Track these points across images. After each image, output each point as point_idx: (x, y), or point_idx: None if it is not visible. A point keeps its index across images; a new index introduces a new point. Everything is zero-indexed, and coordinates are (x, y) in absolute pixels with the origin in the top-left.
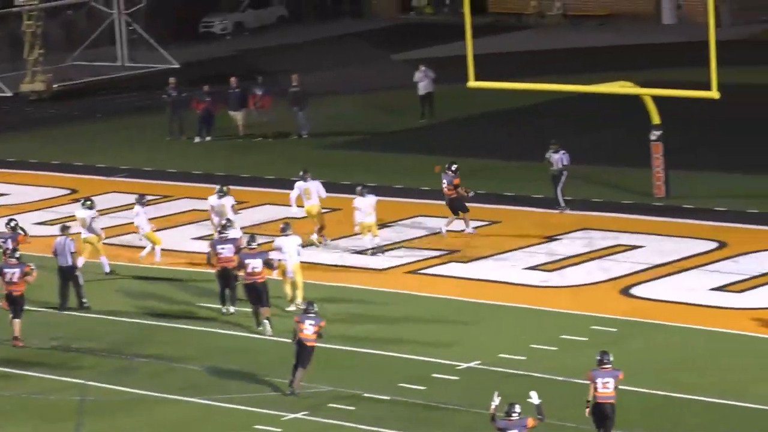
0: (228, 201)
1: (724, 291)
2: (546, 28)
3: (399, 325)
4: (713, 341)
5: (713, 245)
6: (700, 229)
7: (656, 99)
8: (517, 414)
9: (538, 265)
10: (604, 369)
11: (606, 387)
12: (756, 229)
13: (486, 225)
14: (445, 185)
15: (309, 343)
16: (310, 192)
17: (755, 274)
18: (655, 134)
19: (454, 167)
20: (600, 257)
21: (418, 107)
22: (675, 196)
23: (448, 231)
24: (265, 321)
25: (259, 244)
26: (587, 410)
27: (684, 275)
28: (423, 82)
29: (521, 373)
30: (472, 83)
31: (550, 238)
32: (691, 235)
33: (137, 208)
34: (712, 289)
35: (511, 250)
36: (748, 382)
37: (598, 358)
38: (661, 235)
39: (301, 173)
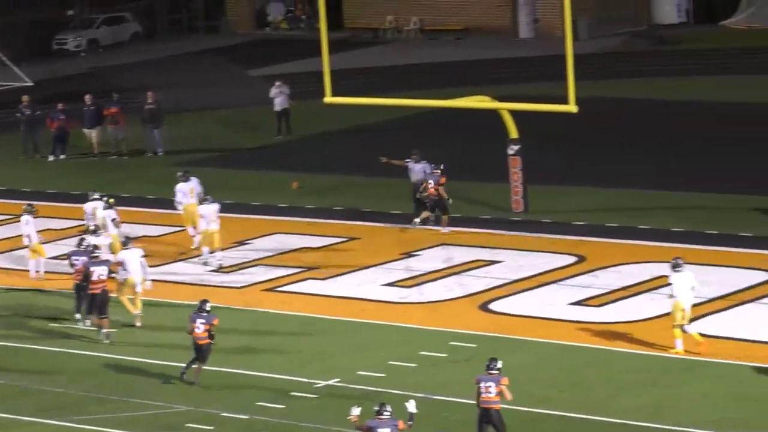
0: (110, 214)
1: (583, 305)
2: (403, 43)
3: (256, 344)
4: (573, 356)
5: (572, 259)
6: (558, 243)
7: (514, 113)
8: (388, 413)
9: (396, 282)
10: (490, 374)
11: (488, 391)
12: (614, 242)
13: (344, 241)
14: (431, 184)
15: (201, 342)
16: (192, 191)
17: (614, 288)
18: (512, 149)
19: (442, 167)
20: (459, 273)
21: (274, 123)
22: (533, 210)
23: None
24: (103, 332)
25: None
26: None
27: (543, 290)
28: (278, 98)
29: (380, 390)
30: (329, 99)
31: (409, 254)
32: (550, 249)
33: (26, 217)
34: (571, 304)
35: (369, 267)
36: (608, 397)
37: (486, 363)
38: (520, 249)
39: (180, 174)
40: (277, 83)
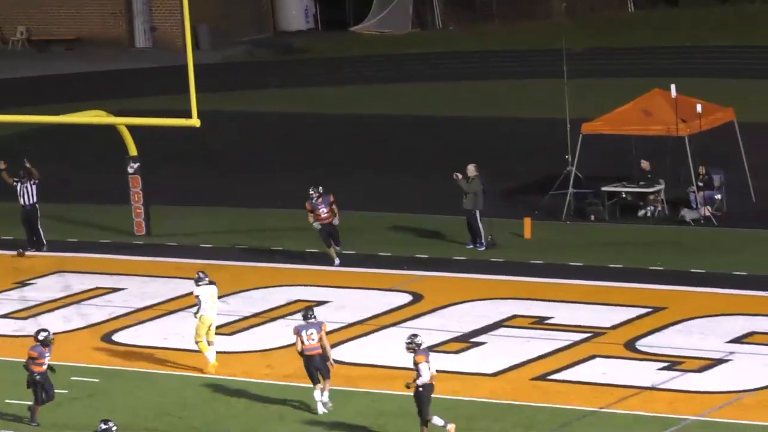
0: None
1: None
2: (9, 54)
3: None
4: (201, 387)
5: (184, 287)
6: (184, 268)
7: (133, 129)
8: (314, 318)
9: (10, 313)
10: (310, 323)
11: (311, 338)
12: (245, 266)
13: None
14: (324, 210)
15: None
16: None
17: (244, 315)
18: (132, 167)
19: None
20: (78, 302)
21: None
22: (157, 233)
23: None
24: None
25: None
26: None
27: (169, 319)
28: None
29: None
30: None
31: (23, 283)
32: (176, 275)
33: None
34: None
35: None
36: (256, 427)
37: (303, 313)
38: (144, 275)
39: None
40: None
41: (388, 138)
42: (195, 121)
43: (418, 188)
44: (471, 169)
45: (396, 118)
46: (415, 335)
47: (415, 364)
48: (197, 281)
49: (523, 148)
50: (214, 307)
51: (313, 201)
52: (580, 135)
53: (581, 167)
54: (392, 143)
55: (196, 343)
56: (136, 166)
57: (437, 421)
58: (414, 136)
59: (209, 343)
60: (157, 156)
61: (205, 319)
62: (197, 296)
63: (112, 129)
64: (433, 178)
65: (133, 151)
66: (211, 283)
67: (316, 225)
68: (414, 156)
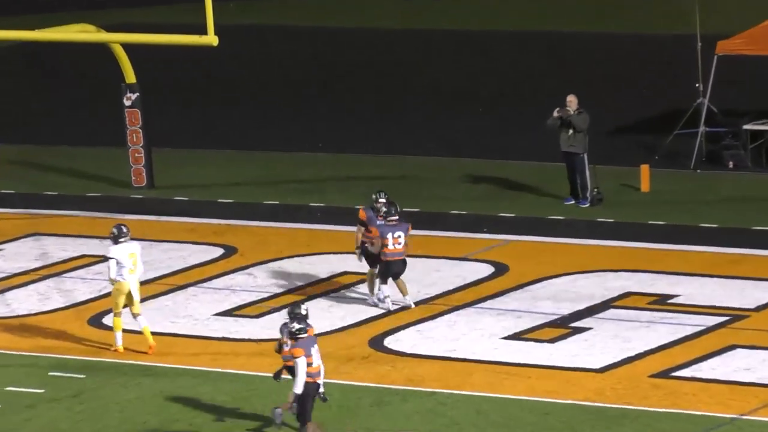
0: None
1: (235, 316)
2: None
3: None
4: (218, 384)
5: (219, 252)
6: (200, 229)
7: (130, 49)
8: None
9: None
10: (391, 222)
11: (398, 242)
12: (272, 227)
13: None
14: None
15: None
16: None
17: (277, 292)
18: (130, 98)
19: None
20: (58, 273)
21: None
22: (163, 185)
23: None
24: None
25: None
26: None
27: (181, 295)
28: None
29: None
30: None
31: None
32: (188, 239)
33: None
34: (219, 314)
35: None
36: None
37: (385, 209)
38: (145, 239)
39: None
40: None
41: (459, 60)
42: (212, 38)
43: (501, 126)
44: (573, 101)
45: (467, 35)
46: (296, 306)
47: (293, 358)
48: (115, 238)
49: (640, 73)
50: (135, 270)
51: (376, 214)
52: (715, 56)
53: (715, 99)
54: (462, 67)
55: (114, 317)
56: (134, 96)
57: (313, 430)
58: (491, 58)
59: (134, 316)
60: (160, 85)
61: (122, 286)
62: (111, 258)
63: (103, 48)
64: (519, 112)
65: (131, 77)
66: (130, 239)
67: (358, 254)
68: (494, 84)
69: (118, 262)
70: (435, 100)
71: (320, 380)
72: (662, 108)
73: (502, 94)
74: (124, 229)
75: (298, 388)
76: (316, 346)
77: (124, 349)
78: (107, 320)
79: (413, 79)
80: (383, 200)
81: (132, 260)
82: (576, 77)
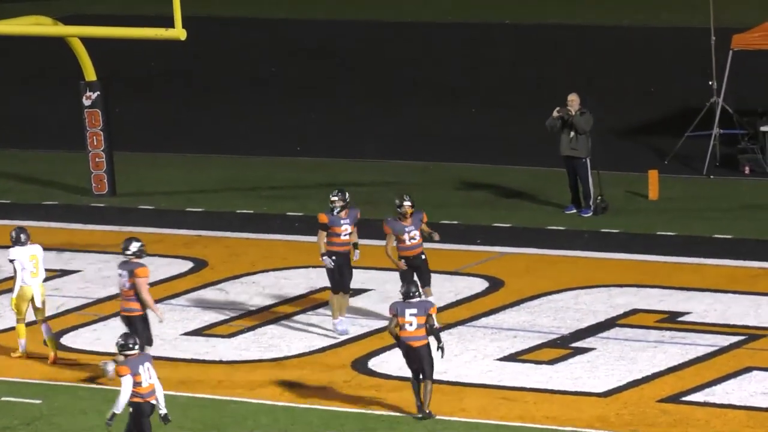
0: None
1: (203, 335)
2: None
3: None
4: (188, 410)
5: (189, 265)
6: (168, 240)
7: (89, 43)
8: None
9: None
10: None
11: (413, 237)
12: (244, 238)
13: None
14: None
15: (416, 344)
16: None
17: (250, 308)
18: (89, 97)
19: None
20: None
21: None
22: (125, 192)
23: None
24: None
25: None
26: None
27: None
28: None
29: None
30: None
31: None
32: (154, 251)
33: None
34: (186, 334)
35: None
36: None
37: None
38: (106, 252)
39: None
40: None
41: (450, 55)
42: (179, 32)
43: (496, 128)
44: (574, 100)
45: (460, 27)
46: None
47: (118, 376)
48: (15, 240)
49: (648, 70)
50: (37, 274)
51: (334, 213)
52: (730, 51)
53: (731, 99)
54: (454, 63)
55: (17, 324)
56: (95, 95)
57: None
58: (486, 52)
59: (42, 322)
60: (121, 83)
61: (25, 291)
62: (12, 260)
63: (59, 43)
64: (515, 113)
65: (90, 74)
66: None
67: (327, 261)
68: (489, 81)
69: (19, 265)
70: (424, 98)
71: (154, 400)
72: (673, 108)
73: (497, 92)
74: (22, 234)
75: (117, 408)
76: (148, 363)
77: (27, 356)
78: (66, 340)
79: (401, 75)
80: (408, 203)
81: (33, 263)
82: (578, 74)
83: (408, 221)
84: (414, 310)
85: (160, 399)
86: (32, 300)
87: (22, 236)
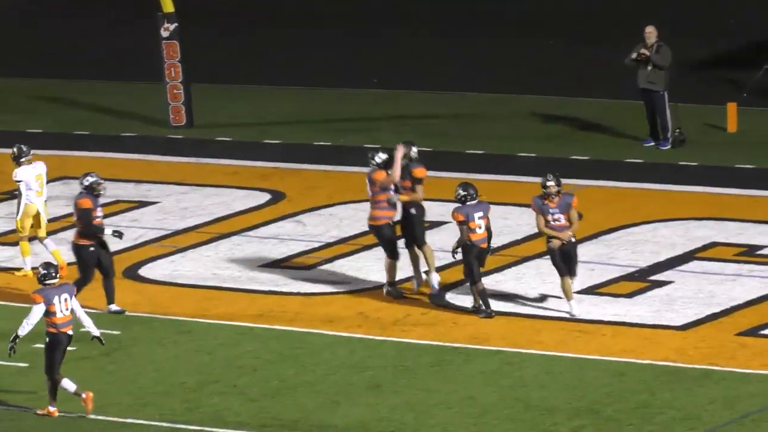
0: None
1: (285, 268)
2: None
3: None
4: (264, 342)
5: (266, 197)
6: (243, 173)
7: None
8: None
9: None
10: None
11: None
12: (321, 170)
13: None
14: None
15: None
16: None
17: (325, 241)
18: (167, 28)
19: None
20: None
21: None
22: (203, 124)
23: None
24: None
25: None
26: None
27: (222, 245)
28: None
29: None
30: None
31: (10, 194)
32: (231, 183)
33: None
34: (264, 266)
35: None
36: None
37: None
38: (184, 184)
39: None
40: None
41: None
42: None
43: (572, 59)
44: (652, 32)
45: None
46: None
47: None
48: (17, 157)
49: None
50: (42, 193)
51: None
52: None
53: None
54: None
55: (19, 240)
56: (173, 27)
57: (68, 385)
58: None
59: (40, 239)
60: (198, 13)
61: (30, 208)
62: (19, 181)
63: None
64: (593, 43)
65: (168, 6)
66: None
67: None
68: (564, 11)
69: (25, 184)
70: (498, 29)
71: (71, 330)
72: (751, 39)
73: (573, 21)
74: (24, 148)
75: (20, 330)
76: (66, 295)
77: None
78: (144, 271)
79: (474, 5)
80: (552, 182)
81: (39, 182)
82: (655, 4)
83: (554, 203)
84: (480, 213)
85: (87, 324)
86: (36, 217)
87: (23, 153)
